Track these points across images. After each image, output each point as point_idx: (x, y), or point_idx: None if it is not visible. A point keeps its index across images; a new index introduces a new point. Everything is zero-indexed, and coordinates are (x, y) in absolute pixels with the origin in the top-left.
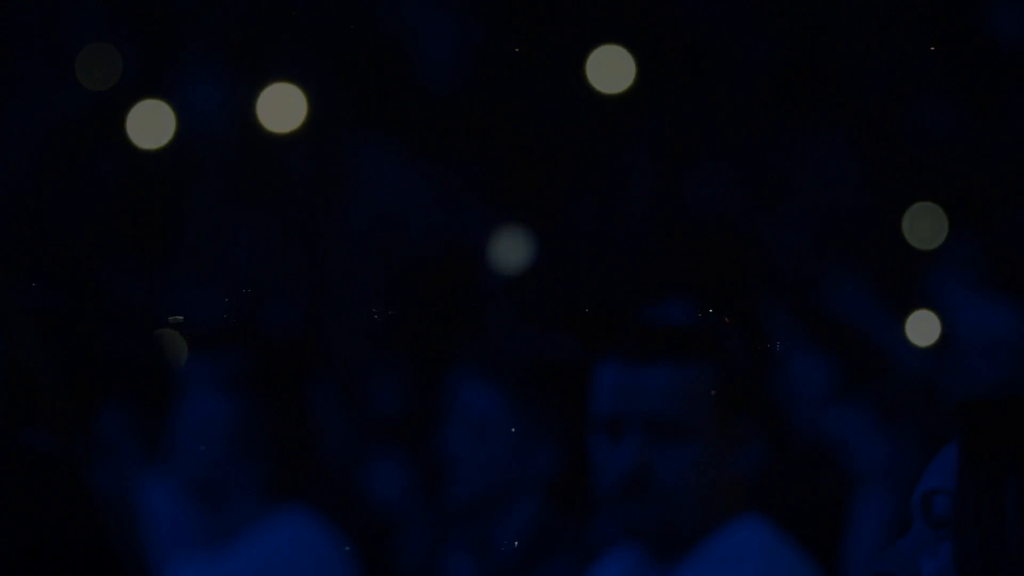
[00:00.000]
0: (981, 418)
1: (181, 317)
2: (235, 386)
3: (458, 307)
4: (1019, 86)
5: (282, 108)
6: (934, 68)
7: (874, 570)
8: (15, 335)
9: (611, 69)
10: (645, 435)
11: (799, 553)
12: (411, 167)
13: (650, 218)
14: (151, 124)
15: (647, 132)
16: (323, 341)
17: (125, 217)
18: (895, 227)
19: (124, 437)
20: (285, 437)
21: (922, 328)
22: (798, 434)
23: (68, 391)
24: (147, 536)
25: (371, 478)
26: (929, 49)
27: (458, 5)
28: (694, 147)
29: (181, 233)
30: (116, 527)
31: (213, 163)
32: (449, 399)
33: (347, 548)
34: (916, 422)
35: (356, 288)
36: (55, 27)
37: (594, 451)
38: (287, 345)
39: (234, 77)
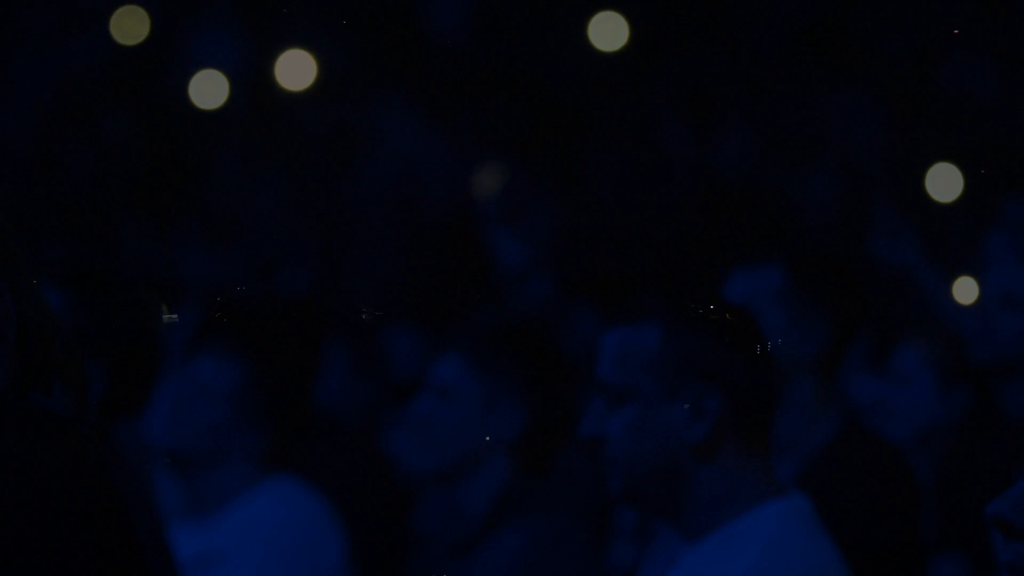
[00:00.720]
0: None
1: (176, 316)
2: (244, 349)
3: (476, 270)
4: None
5: (296, 67)
6: (964, 23)
7: (990, 512)
8: (29, 296)
9: (618, 29)
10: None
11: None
12: (428, 126)
13: (675, 177)
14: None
15: (670, 88)
16: (337, 303)
17: (139, 178)
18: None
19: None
20: (292, 401)
21: (963, 286)
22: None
23: (82, 354)
24: (159, 502)
25: (385, 443)
26: (959, 4)
27: None
28: (719, 104)
29: (195, 194)
30: (130, 493)
31: (228, 123)
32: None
33: (336, 515)
34: (954, 380)
35: (372, 249)
36: None
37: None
38: (300, 307)
39: (249, 35)
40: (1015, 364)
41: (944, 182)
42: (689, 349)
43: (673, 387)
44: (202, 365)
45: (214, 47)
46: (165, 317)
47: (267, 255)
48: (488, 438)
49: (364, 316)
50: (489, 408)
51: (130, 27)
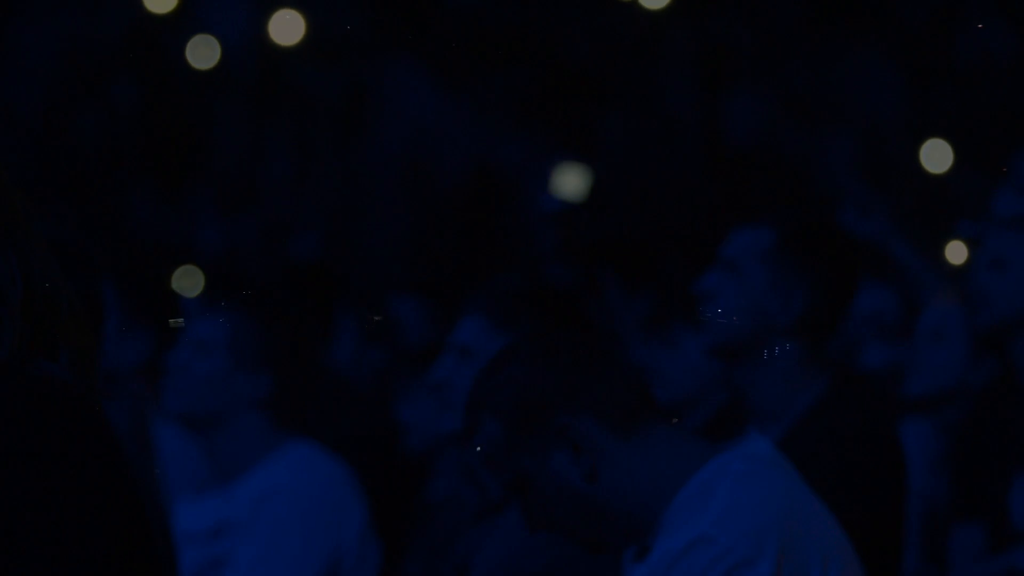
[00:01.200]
0: None
1: (181, 320)
2: (241, 305)
3: (489, 235)
4: None
5: (288, 25)
6: None
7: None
8: (35, 261)
9: None
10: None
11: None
12: (440, 91)
13: (689, 141)
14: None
15: (685, 52)
16: (349, 269)
17: (147, 142)
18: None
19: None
20: (302, 364)
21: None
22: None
23: (87, 319)
24: (163, 470)
25: (398, 410)
26: None
27: None
28: (734, 68)
29: (205, 157)
30: (135, 460)
31: (236, 86)
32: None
33: (354, 480)
34: (960, 349)
35: (383, 215)
36: None
37: None
38: (311, 271)
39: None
40: (1010, 327)
41: (936, 155)
42: (529, 400)
43: (541, 441)
44: (200, 325)
45: (223, 11)
46: (171, 322)
47: (278, 220)
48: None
49: (375, 282)
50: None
51: None
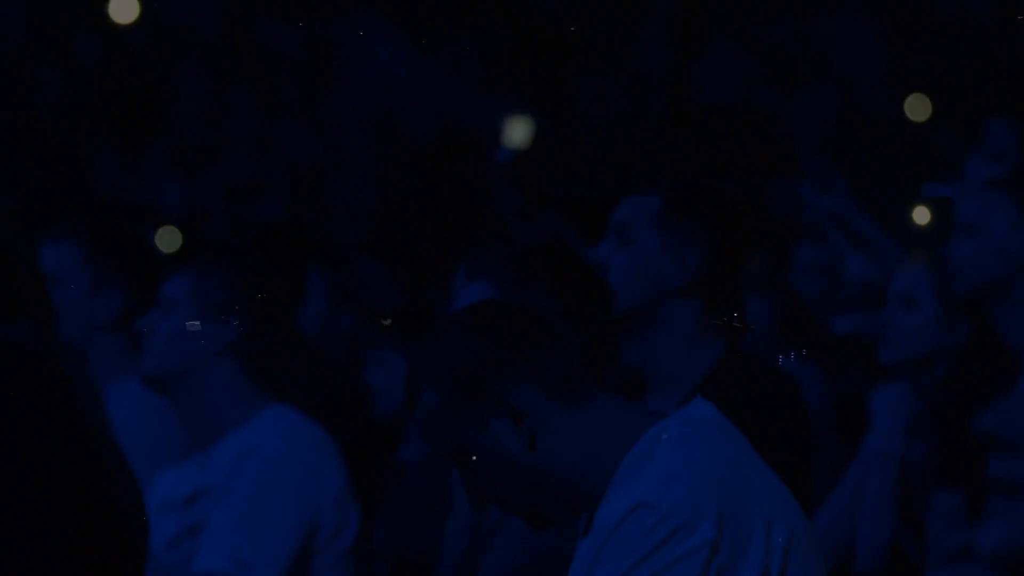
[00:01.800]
0: None
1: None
2: (221, 265)
3: (460, 194)
4: None
5: None
6: None
7: (977, 427)
8: None
9: None
10: None
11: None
12: (410, 45)
13: (663, 100)
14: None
15: (658, 8)
16: (319, 229)
17: (109, 102)
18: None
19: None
20: (271, 321)
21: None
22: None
23: (45, 282)
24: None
25: (367, 374)
26: None
27: None
28: (708, 27)
29: (168, 115)
30: (95, 424)
31: (202, 44)
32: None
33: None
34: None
35: (352, 173)
36: None
37: None
38: (278, 231)
39: None
40: (986, 292)
41: (917, 106)
42: (466, 370)
43: (480, 412)
44: (165, 284)
45: None
46: (189, 325)
47: (243, 179)
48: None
49: (346, 243)
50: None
51: None
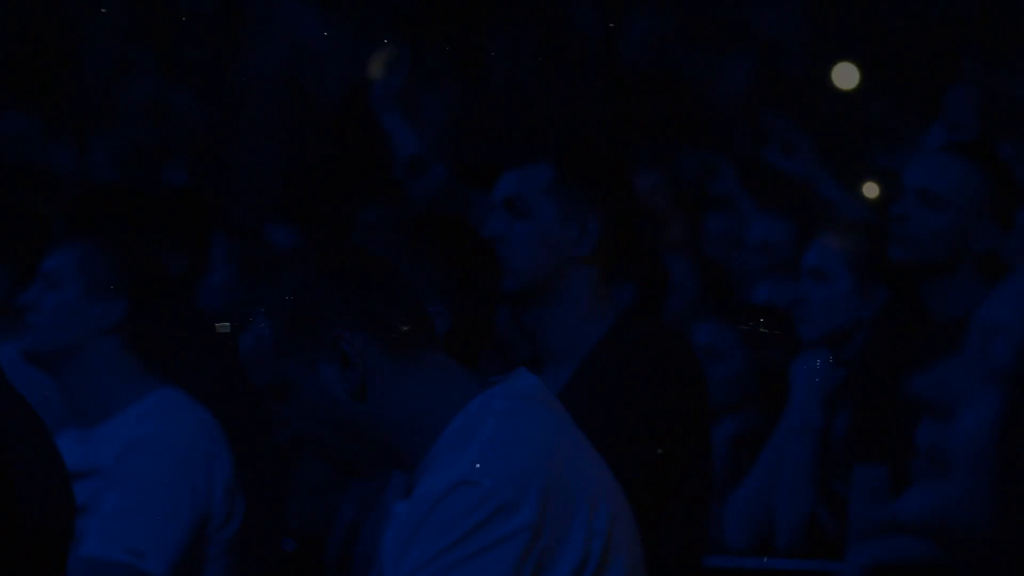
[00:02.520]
0: None
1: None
2: (110, 237)
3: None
4: None
5: None
6: None
7: (911, 391)
8: None
9: None
10: None
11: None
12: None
13: (590, 63)
14: None
15: None
16: (223, 196)
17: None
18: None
19: None
20: (164, 296)
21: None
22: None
23: None
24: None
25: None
26: None
27: None
28: None
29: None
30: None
31: (103, 2)
32: None
33: (216, 424)
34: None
35: (260, 138)
36: None
37: None
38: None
39: None
40: (934, 263)
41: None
42: (305, 313)
43: (309, 356)
44: (49, 257)
45: None
46: (218, 326)
47: (145, 143)
48: None
49: (252, 210)
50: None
51: None
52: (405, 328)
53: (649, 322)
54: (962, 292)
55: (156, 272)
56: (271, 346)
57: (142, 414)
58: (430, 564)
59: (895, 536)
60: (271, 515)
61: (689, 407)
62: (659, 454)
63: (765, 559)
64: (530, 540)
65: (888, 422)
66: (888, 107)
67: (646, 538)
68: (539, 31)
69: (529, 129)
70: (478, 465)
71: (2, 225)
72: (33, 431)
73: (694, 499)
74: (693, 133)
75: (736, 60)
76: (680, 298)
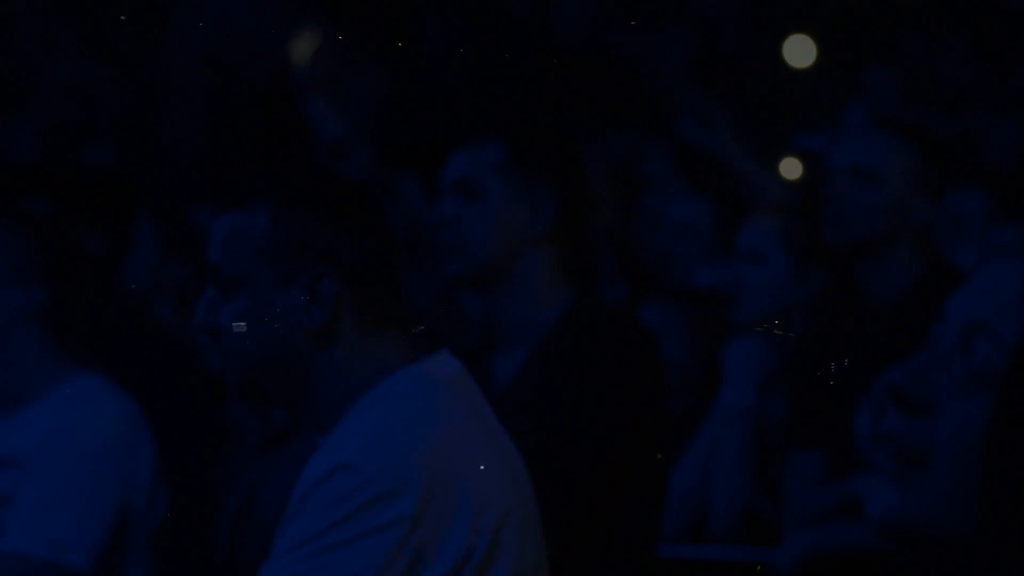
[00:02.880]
0: None
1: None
2: (29, 219)
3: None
4: None
5: None
6: None
7: (885, 383)
8: None
9: None
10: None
11: None
12: None
13: (523, 42)
14: None
15: None
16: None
17: None
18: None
19: None
20: (86, 280)
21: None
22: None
23: None
24: None
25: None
26: None
27: None
28: None
29: None
30: None
31: None
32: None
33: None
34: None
35: (181, 120)
36: None
37: None
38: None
39: None
40: (871, 242)
41: (799, 49)
42: (301, 231)
43: (287, 272)
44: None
45: None
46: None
47: (67, 122)
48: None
49: (177, 191)
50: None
51: None
52: (382, 301)
53: (604, 305)
54: (899, 271)
55: (78, 255)
56: (261, 235)
57: (62, 402)
58: (304, 546)
59: (832, 523)
60: (201, 506)
61: (646, 391)
62: (659, 459)
63: (698, 545)
64: (407, 531)
65: (826, 408)
66: (823, 86)
67: (602, 523)
68: (471, 9)
69: (464, 110)
70: (361, 450)
71: None
72: None
73: (650, 483)
74: (628, 113)
75: (673, 38)
76: (613, 282)
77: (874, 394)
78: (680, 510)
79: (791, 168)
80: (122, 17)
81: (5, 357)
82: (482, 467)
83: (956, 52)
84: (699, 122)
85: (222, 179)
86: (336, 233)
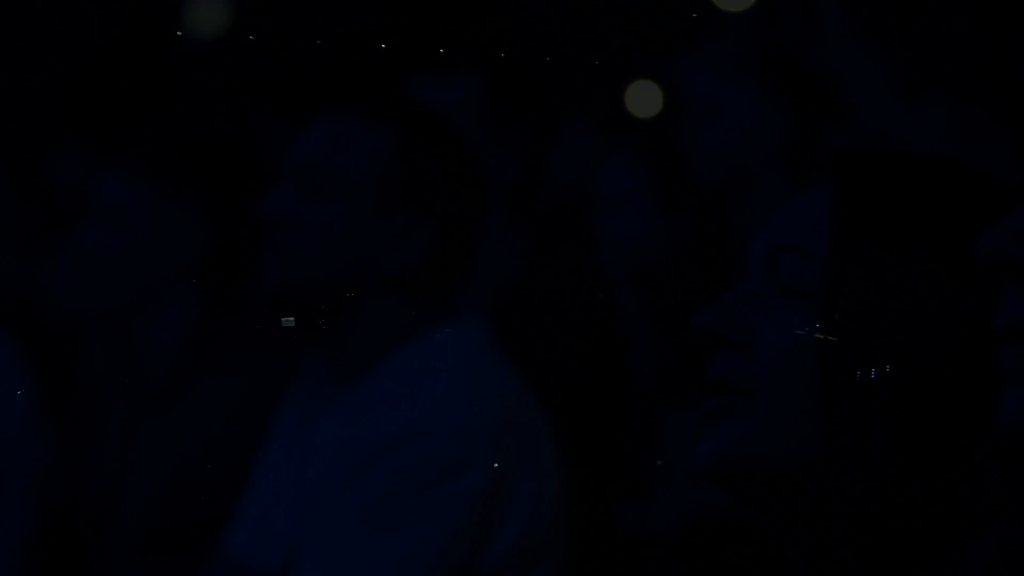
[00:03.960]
0: (864, 172)
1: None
2: None
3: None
4: None
5: None
6: None
7: (697, 321)
8: None
9: None
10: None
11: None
12: None
13: None
14: None
15: None
16: None
17: None
18: None
19: None
20: None
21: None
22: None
23: None
24: None
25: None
26: None
27: None
28: None
29: None
30: None
31: None
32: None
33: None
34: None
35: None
36: None
37: None
38: None
39: None
40: (733, 179)
41: None
42: (423, 174)
43: (392, 204)
44: None
45: None
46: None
47: None
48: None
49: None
50: (166, 232)
51: None
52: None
53: (564, 261)
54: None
55: None
56: (387, 159)
57: None
58: (372, 510)
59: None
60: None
61: (594, 359)
62: None
63: None
64: (480, 500)
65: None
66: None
67: None
68: None
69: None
70: (432, 415)
71: None
72: None
73: None
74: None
75: None
76: None
77: (691, 338)
78: None
79: (638, 100)
80: None
81: None
82: (536, 428)
83: None
84: None
85: (78, 120)
86: (437, 177)
